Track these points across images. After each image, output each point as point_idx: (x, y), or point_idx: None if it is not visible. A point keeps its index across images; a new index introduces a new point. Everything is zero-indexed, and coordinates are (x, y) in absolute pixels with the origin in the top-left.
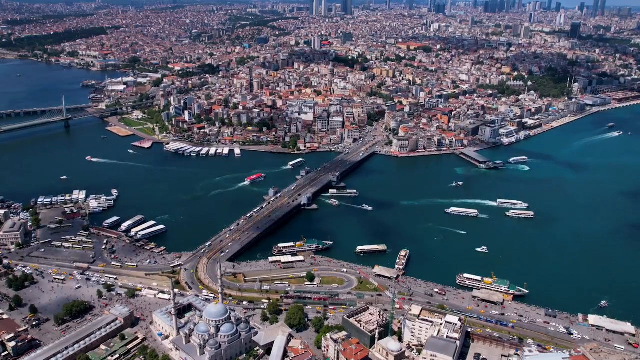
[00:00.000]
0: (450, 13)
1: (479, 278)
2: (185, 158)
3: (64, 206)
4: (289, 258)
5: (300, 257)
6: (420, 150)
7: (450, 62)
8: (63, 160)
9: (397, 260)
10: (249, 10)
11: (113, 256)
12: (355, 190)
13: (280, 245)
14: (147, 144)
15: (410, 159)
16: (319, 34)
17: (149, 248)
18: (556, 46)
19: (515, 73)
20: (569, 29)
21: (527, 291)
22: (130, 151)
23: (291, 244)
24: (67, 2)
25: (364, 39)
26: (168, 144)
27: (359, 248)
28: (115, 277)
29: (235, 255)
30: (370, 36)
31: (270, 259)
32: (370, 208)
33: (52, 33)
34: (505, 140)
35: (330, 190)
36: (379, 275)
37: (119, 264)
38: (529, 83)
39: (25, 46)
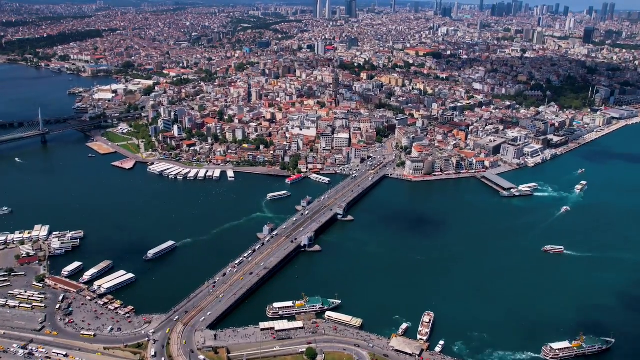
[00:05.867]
0: (456, 16)
1: (567, 345)
2: (171, 182)
3: (21, 247)
4: (284, 324)
5: (299, 323)
6: (436, 173)
7: (462, 69)
8: (32, 184)
9: (420, 328)
10: (252, 12)
11: (68, 319)
12: None
13: (276, 305)
14: (128, 164)
15: (426, 184)
16: (323, 37)
17: (113, 307)
18: (571, 52)
19: (533, 82)
20: (579, 34)
21: (612, 340)
22: (115, 165)
23: (289, 303)
24: (68, 3)
25: (370, 44)
26: (152, 164)
27: (328, 314)
28: (64, 352)
29: (218, 320)
30: (376, 40)
31: (262, 324)
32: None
33: (45, 36)
34: (530, 161)
35: None
36: (397, 351)
37: (75, 331)
38: (548, 93)
39: (16, 49)
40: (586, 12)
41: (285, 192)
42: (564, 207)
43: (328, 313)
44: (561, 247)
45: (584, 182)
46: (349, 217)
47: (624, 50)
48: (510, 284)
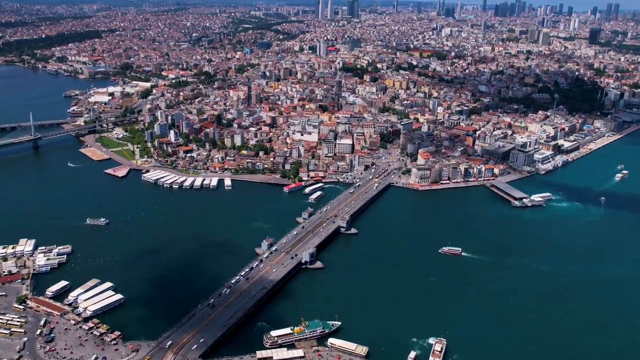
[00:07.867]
0: (459, 17)
1: None
2: (166, 191)
3: (3, 263)
4: (283, 354)
5: (299, 352)
6: (444, 181)
7: (467, 70)
8: (19, 193)
9: (431, 358)
10: (253, 12)
11: (49, 347)
12: None
13: (274, 334)
14: (122, 172)
15: (433, 194)
16: (325, 38)
17: (99, 333)
18: (578, 53)
19: (540, 84)
20: (584, 34)
21: None
22: (107, 173)
23: (288, 330)
24: (69, 3)
25: (373, 45)
26: (147, 171)
27: (331, 342)
28: None
29: (212, 348)
30: (379, 41)
31: (259, 353)
32: None
33: (43, 36)
34: (541, 168)
35: None
36: None
37: None
38: (556, 96)
39: (13, 50)
40: (590, 12)
41: (321, 192)
42: (601, 198)
43: (331, 340)
44: (459, 249)
45: (625, 172)
46: (353, 230)
47: (631, 51)
48: (532, 308)
